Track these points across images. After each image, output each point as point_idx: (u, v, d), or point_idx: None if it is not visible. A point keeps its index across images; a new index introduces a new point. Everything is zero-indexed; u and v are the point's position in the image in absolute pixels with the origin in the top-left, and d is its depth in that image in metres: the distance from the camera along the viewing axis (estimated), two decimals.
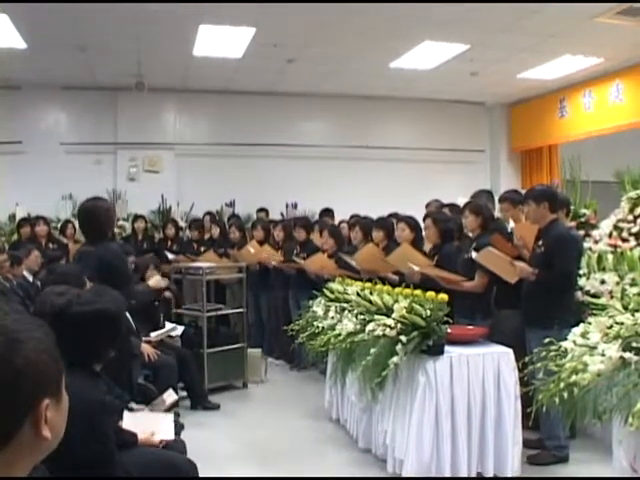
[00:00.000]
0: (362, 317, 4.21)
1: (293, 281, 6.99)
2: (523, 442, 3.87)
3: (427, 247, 5.48)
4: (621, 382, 2.46)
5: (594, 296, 3.99)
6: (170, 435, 3.15)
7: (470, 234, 4.95)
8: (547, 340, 2.91)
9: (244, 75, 9.16)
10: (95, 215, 4.15)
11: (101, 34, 7.20)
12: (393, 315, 3.88)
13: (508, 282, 4.36)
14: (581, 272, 4.52)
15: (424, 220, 5.41)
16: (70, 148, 9.64)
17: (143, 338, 5.15)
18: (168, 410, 3.78)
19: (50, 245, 7.89)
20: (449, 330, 3.85)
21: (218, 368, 5.97)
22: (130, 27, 7.00)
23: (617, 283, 4.33)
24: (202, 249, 8.07)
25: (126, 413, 3.13)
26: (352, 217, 7.52)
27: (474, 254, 4.53)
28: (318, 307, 5.04)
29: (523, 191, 5.48)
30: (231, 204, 10.12)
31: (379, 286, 4.53)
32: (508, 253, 4.43)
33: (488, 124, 11.48)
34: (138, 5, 6.25)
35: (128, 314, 4.38)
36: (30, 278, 6.09)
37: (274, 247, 7.45)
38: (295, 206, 10.21)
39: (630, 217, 5.16)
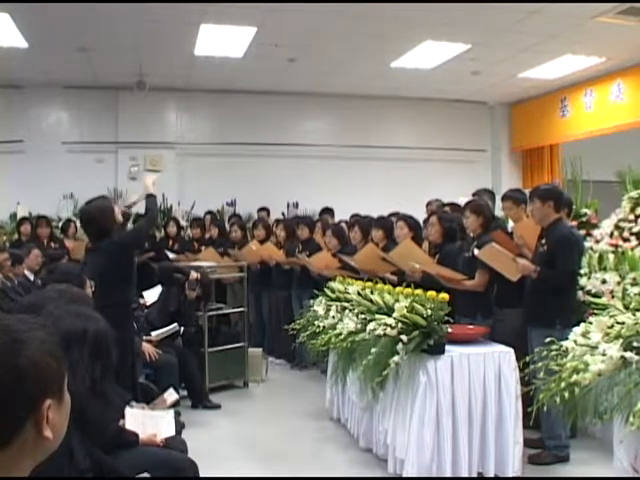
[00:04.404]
0: (363, 316, 4.21)
1: (296, 280, 7.00)
2: (524, 442, 3.87)
3: (425, 246, 5.49)
4: (622, 382, 2.46)
5: (595, 296, 3.99)
6: (171, 432, 3.16)
7: (471, 234, 4.95)
8: (548, 339, 2.91)
9: (245, 74, 9.16)
10: (93, 218, 4.22)
11: (102, 34, 7.21)
12: (394, 314, 3.88)
13: (509, 281, 4.35)
14: (582, 272, 4.52)
15: (429, 218, 5.39)
16: (71, 147, 9.65)
17: (144, 337, 5.16)
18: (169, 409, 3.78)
19: (52, 244, 7.90)
20: (450, 329, 3.85)
21: (219, 367, 5.97)
22: (131, 26, 7.00)
23: (618, 283, 4.33)
24: (203, 248, 8.08)
25: (127, 412, 3.13)
26: (353, 216, 7.53)
27: (476, 251, 4.52)
28: (319, 306, 5.04)
29: (526, 191, 5.48)
30: (232, 203, 10.13)
31: (380, 285, 4.53)
32: (511, 250, 4.42)
33: (489, 123, 11.48)
34: (139, 5, 6.25)
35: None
36: (31, 277, 6.10)
37: (276, 246, 7.46)
38: (296, 205, 10.22)
39: (631, 217, 5.16)
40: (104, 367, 2.29)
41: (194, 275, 5.87)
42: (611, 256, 4.73)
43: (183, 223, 9.31)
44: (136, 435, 2.91)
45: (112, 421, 2.85)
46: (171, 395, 3.92)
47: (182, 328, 5.77)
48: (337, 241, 6.56)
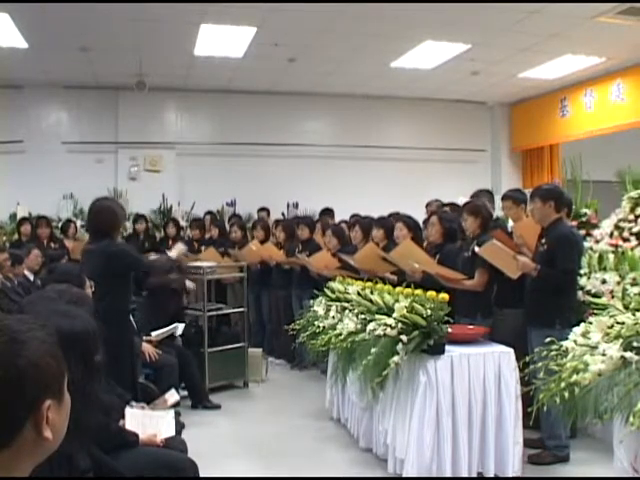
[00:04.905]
0: (363, 317, 4.21)
1: (296, 280, 7.00)
2: (524, 442, 3.86)
3: (425, 246, 5.48)
4: (622, 382, 2.46)
5: (595, 296, 3.99)
6: (171, 432, 3.16)
7: (470, 235, 4.94)
8: (548, 339, 2.91)
9: (245, 74, 9.16)
10: (92, 217, 4.25)
11: (102, 34, 7.21)
12: (394, 315, 3.88)
13: (509, 281, 4.35)
14: (582, 272, 4.52)
15: (429, 218, 5.39)
16: (71, 147, 9.66)
17: (144, 337, 5.16)
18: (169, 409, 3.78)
19: (52, 245, 7.90)
20: (450, 329, 3.85)
21: (219, 367, 5.97)
22: (131, 26, 7.00)
23: (618, 283, 4.33)
24: (202, 248, 8.08)
25: (127, 412, 3.12)
26: (352, 217, 7.53)
27: (477, 248, 4.52)
28: (319, 307, 5.03)
29: (526, 191, 5.48)
30: (232, 203, 10.13)
31: (380, 285, 4.52)
32: (511, 248, 4.42)
33: (489, 123, 11.48)
34: (139, 5, 6.25)
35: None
36: (31, 277, 6.10)
37: (276, 246, 7.46)
38: (296, 205, 10.22)
39: (631, 217, 5.16)
40: (88, 368, 2.24)
41: (190, 285, 5.88)
42: (611, 256, 4.73)
43: (183, 223, 9.32)
44: (136, 435, 2.91)
45: (112, 422, 2.85)
46: (172, 395, 3.92)
47: (180, 326, 5.79)
48: (337, 241, 6.56)
